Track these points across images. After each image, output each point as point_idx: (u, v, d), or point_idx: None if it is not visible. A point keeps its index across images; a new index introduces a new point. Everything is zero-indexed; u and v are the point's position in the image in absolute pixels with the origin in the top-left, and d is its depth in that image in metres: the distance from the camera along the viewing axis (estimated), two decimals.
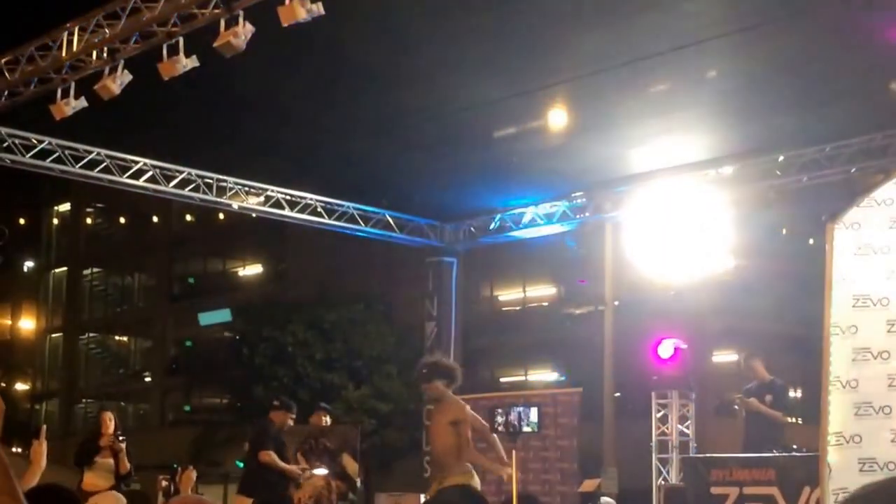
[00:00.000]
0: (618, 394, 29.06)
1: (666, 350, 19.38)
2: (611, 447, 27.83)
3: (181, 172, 21.06)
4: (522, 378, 44.49)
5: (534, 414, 19.08)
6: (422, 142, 19.47)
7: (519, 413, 19.07)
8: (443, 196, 22.71)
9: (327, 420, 19.23)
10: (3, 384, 68.87)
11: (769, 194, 19.66)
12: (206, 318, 53.45)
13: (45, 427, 9.37)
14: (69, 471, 40.49)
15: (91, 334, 66.12)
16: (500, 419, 19.58)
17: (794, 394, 21.00)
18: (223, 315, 52.03)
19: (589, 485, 18.84)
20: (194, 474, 18.44)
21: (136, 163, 20.56)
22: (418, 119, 18.50)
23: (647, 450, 19.99)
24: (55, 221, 68.53)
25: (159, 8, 14.40)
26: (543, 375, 44.09)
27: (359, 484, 18.45)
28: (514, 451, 18.26)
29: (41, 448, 8.89)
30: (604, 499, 18.47)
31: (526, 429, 19.27)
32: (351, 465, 18.17)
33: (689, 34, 15.25)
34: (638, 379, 22.10)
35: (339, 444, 18.41)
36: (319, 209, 22.65)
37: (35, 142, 19.51)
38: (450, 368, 13.60)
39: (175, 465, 29.01)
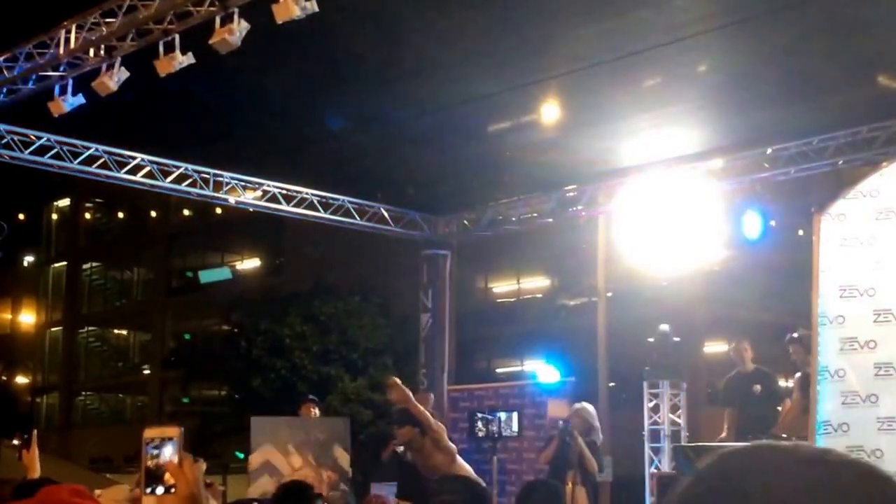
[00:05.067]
0: (612, 383, 29.27)
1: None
2: (605, 436, 27.98)
3: (178, 168, 21.17)
4: (518, 368, 44.66)
5: (515, 421, 19.27)
6: (416, 136, 19.62)
7: (500, 419, 19.22)
8: (437, 189, 22.85)
9: (316, 412, 19.45)
10: (4, 378, 69.00)
11: (757, 186, 19.78)
12: (207, 276, 53.63)
13: (35, 432, 9.36)
14: (71, 464, 40.52)
15: (90, 328, 66.24)
16: (480, 425, 19.77)
17: (786, 383, 21.12)
18: (223, 273, 52.23)
19: (558, 408, 18.44)
20: (203, 465, 18.72)
21: (134, 158, 20.68)
22: (413, 113, 18.65)
23: (640, 439, 20.19)
24: (54, 217, 68.62)
25: (155, 6, 14.57)
26: (538, 366, 44.15)
27: (350, 475, 18.66)
28: (494, 458, 18.54)
29: (33, 455, 8.99)
30: (581, 404, 18.09)
31: (507, 433, 19.43)
32: (342, 456, 18.38)
33: (679, 29, 15.42)
34: (631, 368, 22.30)
35: (330, 435, 18.63)
36: (315, 203, 22.77)
37: (33, 138, 19.63)
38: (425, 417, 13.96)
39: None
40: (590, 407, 17.71)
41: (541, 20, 15.54)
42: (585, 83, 17.39)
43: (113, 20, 15.10)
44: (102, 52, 15.45)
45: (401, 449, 17.00)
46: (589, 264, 29.76)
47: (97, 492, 8.22)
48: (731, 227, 18.92)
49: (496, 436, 19.35)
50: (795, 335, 15.26)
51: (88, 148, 20.16)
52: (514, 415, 19.74)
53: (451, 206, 24.08)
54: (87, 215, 67.08)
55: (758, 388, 16.72)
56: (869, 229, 9.84)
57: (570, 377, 20.93)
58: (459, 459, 14.46)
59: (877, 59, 16.31)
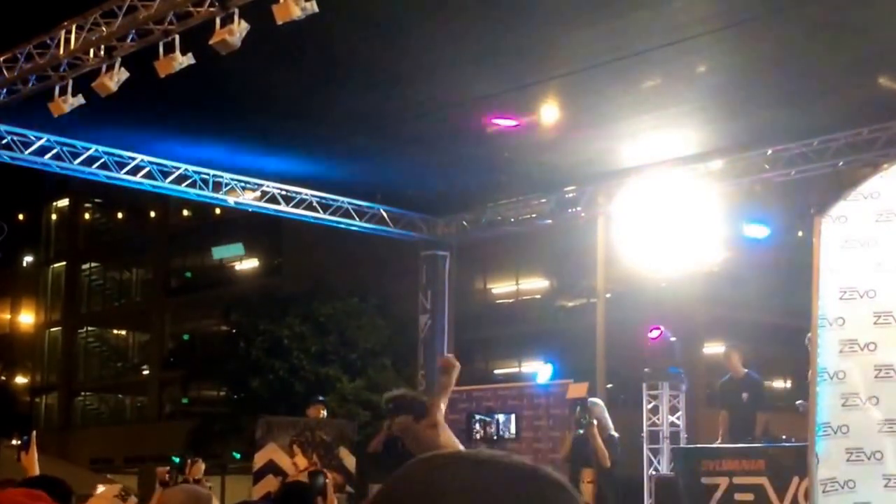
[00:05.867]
0: (610, 385, 29.25)
1: (654, 333, 19.62)
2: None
3: (178, 168, 21.21)
4: (516, 370, 44.65)
5: (513, 423, 19.23)
6: (415, 137, 19.61)
7: (497, 421, 19.18)
8: (436, 190, 22.85)
9: (324, 413, 19.41)
10: (3, 378, 69.00)
11: (757, 187, 19.82)
12: (219, 252, 53.61)
13: (34, 434, 9.38)
14: (70, 464, 40.47)
15: (89, 328, 66.24)
16: (478, 427, 19.74)
17: (785, 384, 21.30)
18: (236, 249, 52.20)
19: (577, 389, 18.33)
20: (203, 465, 18.92)
21: (134, 159, 20.70)
22: (412, 114, 18.64)
23: (639, 440, 20.16)
24: (54, 217, 68.60)
25: (155, 6, 14.56)
26: (537, 367, 44.16)
27: (355, 478, 18.64)
28: None
29: (32, 457, 9.01)
30: (592, 399, 18.19)
31: (506, 436, 19.38)
32: (348, 458, 18.36)
33: (680, 31, 15.40)
34: (630, 370, 22.28)
35: (336, 437, 18.61)
36: (315, 204, 22.80)
37: (34, 138, 19.66)
38: (418, 402, 13.89)
39: (176, 459, 29.18)
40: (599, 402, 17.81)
41: (540, 21, 15.53)
42: (585, 84, 17.39)
43: (113, 21, 15.10)
44: (102, 52, 15.45)
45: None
46: (588, 265, 29.73)
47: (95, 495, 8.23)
48: (733, 228, 18.92)
49: (494, 438, 19.35)
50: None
51: (88, 148, 20.18)
52: (512, 417, 19.73)
53: (450, 207, 24.09)
54: (87, 215, 67.06)
55: (745, 395, 16.90)
56: (869, 231, 9.79)
57: (569, 379, 20.93)
58: (447, 434, 14.41)
59: (877, 60, 16.32)
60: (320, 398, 19.98)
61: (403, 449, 16.60)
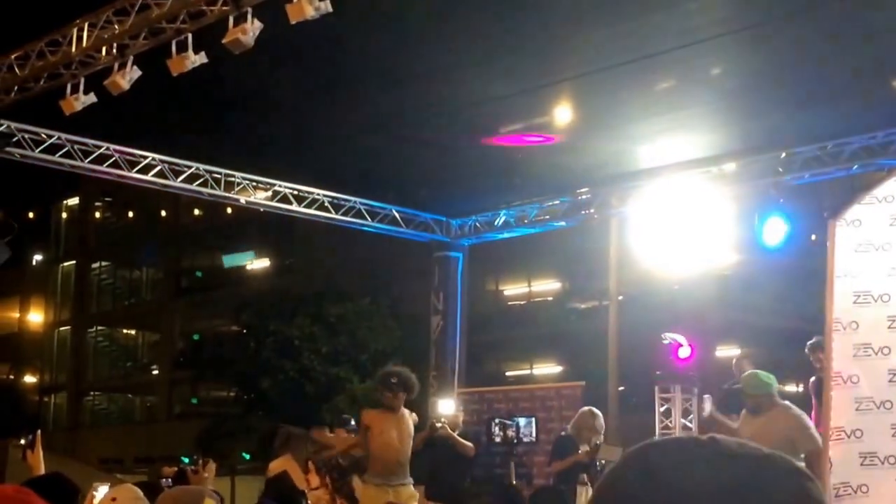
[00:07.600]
0: (622, 387, 29.21)
1: (684, 351, 19.50)
2: (614, 440, 27.91)
3: (189, 167, 21.14)
4: (528, 372, 44.64)
5: (533, 427, 19.15)
6: (428, 138, 19.57)
7: (517, 425, 19.09)
8: (449, 191, 22.79)
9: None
10: (12, 377, 69.08)
11: (771, 191, 19.71)
12: (230, 260, 53.90)
13: (39, 433, 9.42)
14: (78, 462, 40.51)
15: (99, 327, 66.33)
16: (497, 430, 19.67)
17: (797, 388, 21.18)
18: (247, 256, 52.61)
19: (611, 452, 18.11)
20: (214, 466, 18.94)
21: (145, 158, 20.64)
22: (425, 115, 18.59)
23: None
24: (64, 215, 68.69)
25: (168, 5, 14.52)
26: (549, 369, 44.25)
27: None
28: (512, 463, 18.49)
29: (37, 455, 9.00)
30: (593, 409, 18.08)
31: (526, 440, 19.33)
32: (359, 488, 18.31)
33: (694, 33, 15.34)
34: (642, 373, 22.22)
35: (351, 465, 18.51)
36: (327, 204, 22.74)
37: (45, 136, 19.60)
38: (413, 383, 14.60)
39: (189, 459, 29.19)
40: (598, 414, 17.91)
41: (554, 23, 15.49)
42: (598, 86, 17.33)
43: (125, 19, 15.05)
44: (115, 50, 15.41)
45: (439, 424, 17.28)
46: (601, 267, 29.70)
47: (111, 490, 8.19)
48: (748, 233, 18.85)
49: (514, 441, 19.32)
50: (813, 341, 15.35)
51: (99, 147, 20.13)
52: (533, 420, 19.67)
53: (463, 208, 24.05)
54: (97, 214, 67.15)
55: None
56: (884, 235, 9.76)
57: (581, 381, 20.88)
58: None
59: (892, 63, 16.24)
60: (352, 422, 19.51)
61: (439, 446, 16.99)
